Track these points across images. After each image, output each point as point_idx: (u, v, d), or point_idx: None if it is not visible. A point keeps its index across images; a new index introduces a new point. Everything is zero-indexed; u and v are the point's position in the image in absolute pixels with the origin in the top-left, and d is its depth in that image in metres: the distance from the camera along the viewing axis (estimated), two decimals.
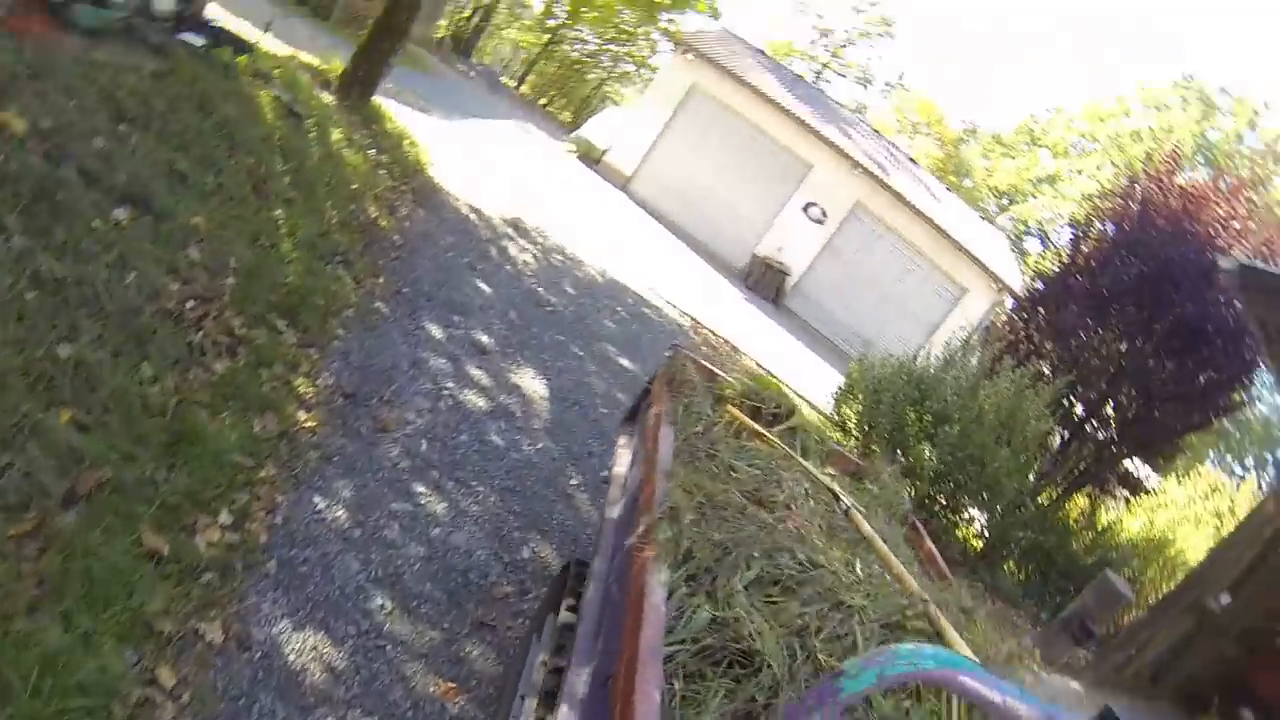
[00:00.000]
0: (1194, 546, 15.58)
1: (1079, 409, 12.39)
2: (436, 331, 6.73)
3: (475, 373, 6.50)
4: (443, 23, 37.19)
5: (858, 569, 2.97)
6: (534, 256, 10.71)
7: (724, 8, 63.58)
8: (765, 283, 22.42)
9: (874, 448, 9.35)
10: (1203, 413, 12.27)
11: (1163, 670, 12.20)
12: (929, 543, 4.34)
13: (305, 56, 10.64)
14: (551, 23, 40.29)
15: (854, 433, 10.09)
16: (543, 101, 42.40)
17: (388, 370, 5.67)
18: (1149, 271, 11.56)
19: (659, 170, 23.36)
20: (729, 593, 2.45)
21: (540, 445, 6.02)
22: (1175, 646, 11.64)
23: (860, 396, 10.08)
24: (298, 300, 5.33)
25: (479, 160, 14.42)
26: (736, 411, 4.20)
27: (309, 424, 4.48)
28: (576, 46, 41.91)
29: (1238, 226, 11.70)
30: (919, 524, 4.56)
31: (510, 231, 11.02)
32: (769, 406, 4.56)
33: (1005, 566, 11.08)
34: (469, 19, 38.36)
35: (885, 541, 3.51)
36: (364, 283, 6.63)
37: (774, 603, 2.51)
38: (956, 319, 21.45)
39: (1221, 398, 12.09)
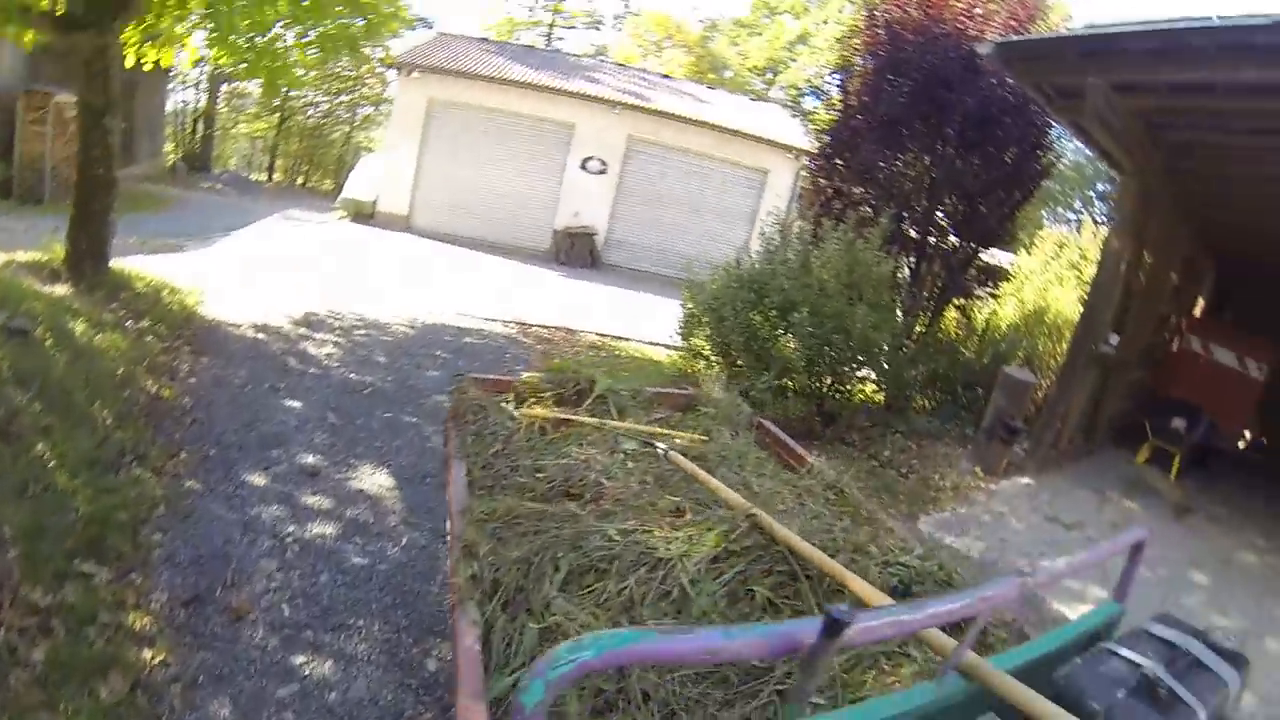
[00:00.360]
0: (1066, 303, 15.93)
1: (913, 232, 12.28)
2: (258, 480, 6.05)
3: (312, 501, 5.87)
4: (169, 147, 35.46)
5: (687, 511, 3.12)
6: (336, 343, 10.00)
7: (433, 11, 62.24)
8: (577, 252, 22.11)
9: (739, 364, 8.94)
10: (1021, 187, 12.48)
11: (1092, 426, 12.46)
12: (781, 435, 4.51)
13: (24, 254, 9.53)
14: (275, 102, 38.60)
15: (713, 358, 9.65)
16: (300, 181, 40.72)
17: (221, 551, 4.97)
18: (919, 84, 11.50)
19: (432, 196, 22.59)
20: (545, 602, 2.48)
21: (404, 540, 5.47)
22: (1093, 400, 11.85)
23: (703, 320, 9.63)
24: (97, 531, 4.64)
25: (251, 273, 13.43)
26: (534, 411, 4.21)
27: (158, 659, 3.86)
28: (309, 113, 40.36)
29: (981, 12, 11.72)
30: (763, 422, 4.73)
31: (304, 331, 10.25)
32: (569, 389, 4.61)
33: (913, 407, 10.89)
34: (193, 134, 36.53)
35: (734, 455, 3.90)
36: (165, 469, 5.89)
37: (592, 590, 2.59)
38: (770, 201, 21.63)
39: (1031, 166, 12.31)
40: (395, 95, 23.01)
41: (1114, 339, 11.32)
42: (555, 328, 13.20)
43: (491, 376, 4.83)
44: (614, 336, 13.52)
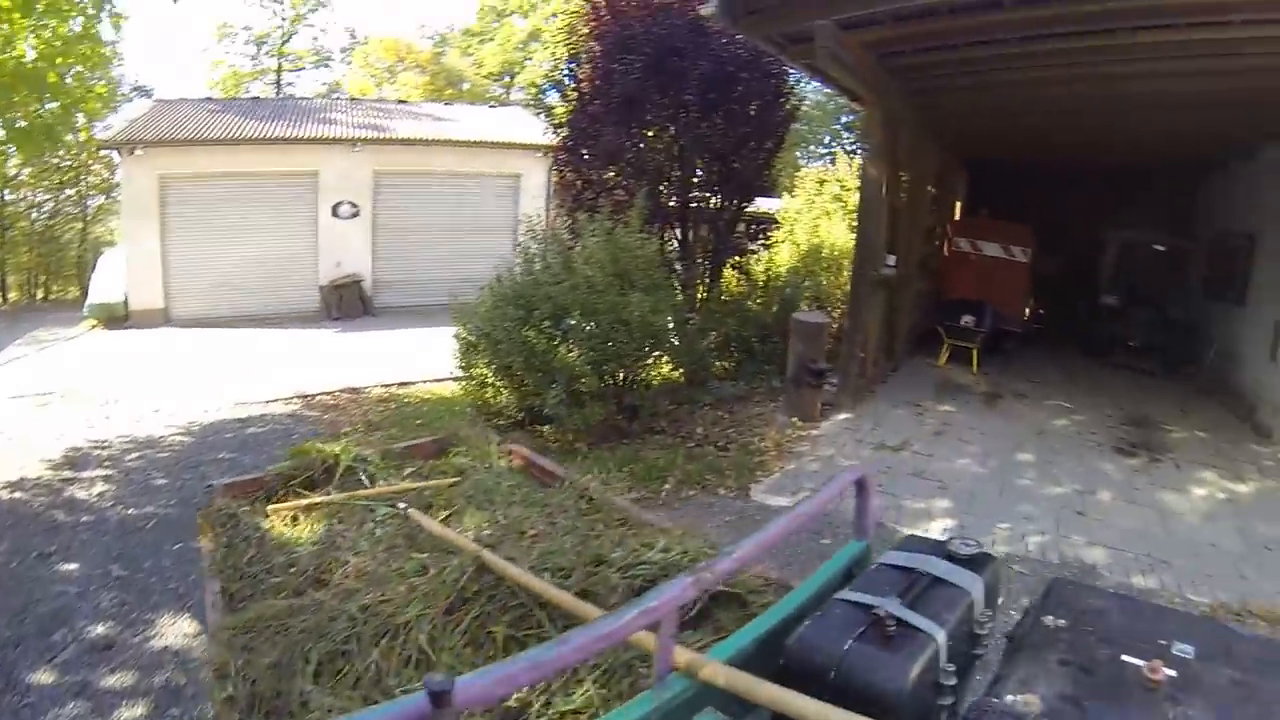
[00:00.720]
0: (838, 235, 16.37)
1: (673, 203, 12.16)
2: (45, 677, 5.25)
3: (113, 681, 5.17)
4: None
5: (430, 568, 3.13)
6: (107, 477, 9.04)
7: (150, 79, 58.59)
8: (347, 303, 21.18)
9: (526, 384, 8.53)
10: (770, 136, 12.72)
11: (890, 346, 12.83)
12: (535, 458, 4.61)
13: None
14: None
15: (498, 384, 9.28)
16: (40, 295, 36.95)
17: None
18: (650, 57, 11.42)
19: (187, 280, 21.03)
20: (302, 700, 2.46)
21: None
22: (886, 321, 12.16)
23: (480, 347, 9.20)
24: None
25: None
26: (279, 506, 4.15)
27: None
28: (34, 216, 36.60)
29: None
30: (513, 447, 4.81)
31: (68, 474, 9.21)
32: (318, 469, 4.53)
33: (714, 375, 10.76)
34: None
35: (482, 492, 4.00)
36: None
37: (342, 674, 2.60)
38: (526, 205, 21.39)
39: (775, 115, 12.58)
40: (121, 178, 21.15)
41: (891, 259, 11.59)
42: (340, 391, 12.55)
43: (240, 479, 4.63)
44: (400, 384, 13.00)
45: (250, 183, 20.81)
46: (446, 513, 3.93)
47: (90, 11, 8.55)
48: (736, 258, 12.83)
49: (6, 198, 35.10)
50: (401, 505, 3.91)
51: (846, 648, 2.02)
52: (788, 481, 8.19)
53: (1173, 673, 1.90)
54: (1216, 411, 12.20)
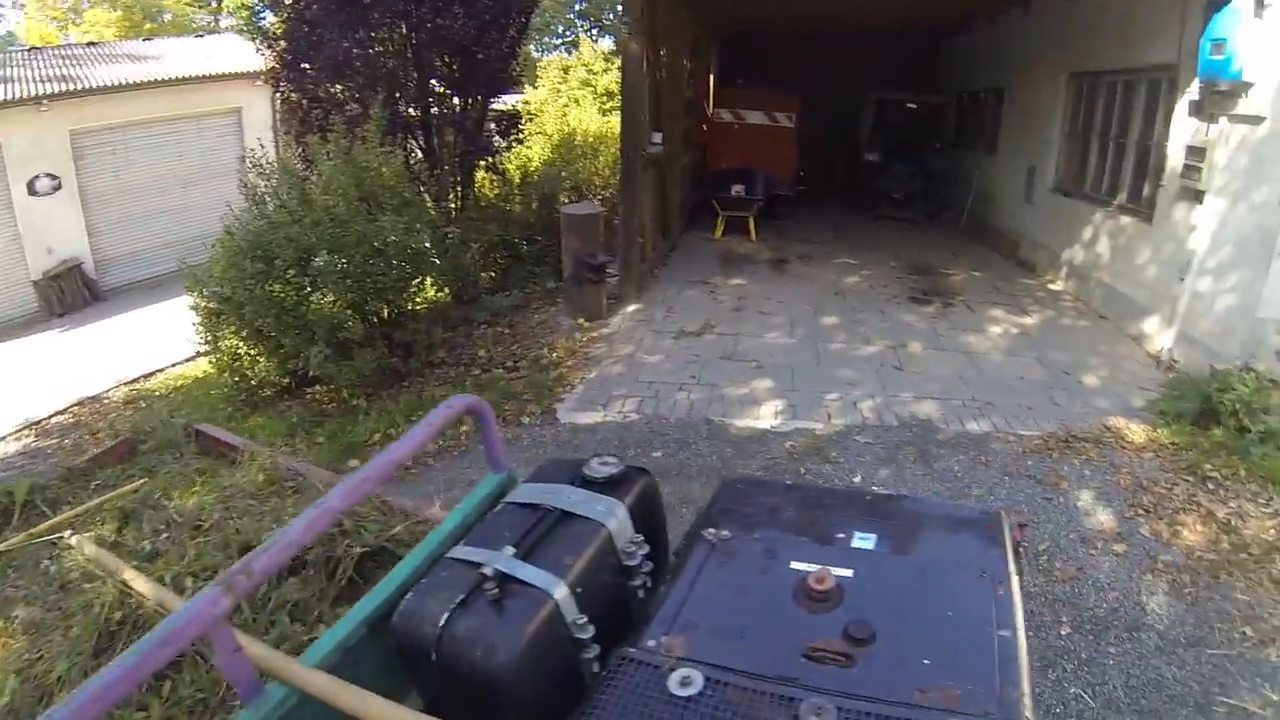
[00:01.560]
0: (590, 120, 15.61)
1: (412, 110, 10.97)
2: None
3: None
4: None
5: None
6: None
7: None
8: (69, 293, 17.75)
9: (284, 345, 7.41)
10: (513, 23, 11.69)
11: (666, 226, 12.37)
12: (219, 435, 4.45)
13: None
14: None
15: (252, 353, 8.06)
16: None
17: None
18: None
19: None
20: None
21: None
22: (658, 201, 11.60)
23: (222, 315, 7.93)
24: None
25: None
26: None
27: None
28: None
29: None
30: (199, 429, 4.71)
31: None
32: None
33: (483, 287, 9.82)
34: None
35: (160, 490, 3.89)
36: None
37: None
38: (251, 139, 18.38)
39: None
40: None
41: (657, 137, 10.99)
42: (74, 407, 10.66)
43: None
44: (144, 376, 11.36)
45: None
46: (122, 523, 3.73)
47: None
48: (488, 159, 11.79)
49: None
50: (68, 533, 3.64)
51: (444, 621, 1.76)
52: (594, 393, 7.50)
53: (846, 573, 1.75)
54: (983, 252, 13.03)
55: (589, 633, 1.82)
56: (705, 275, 11.02)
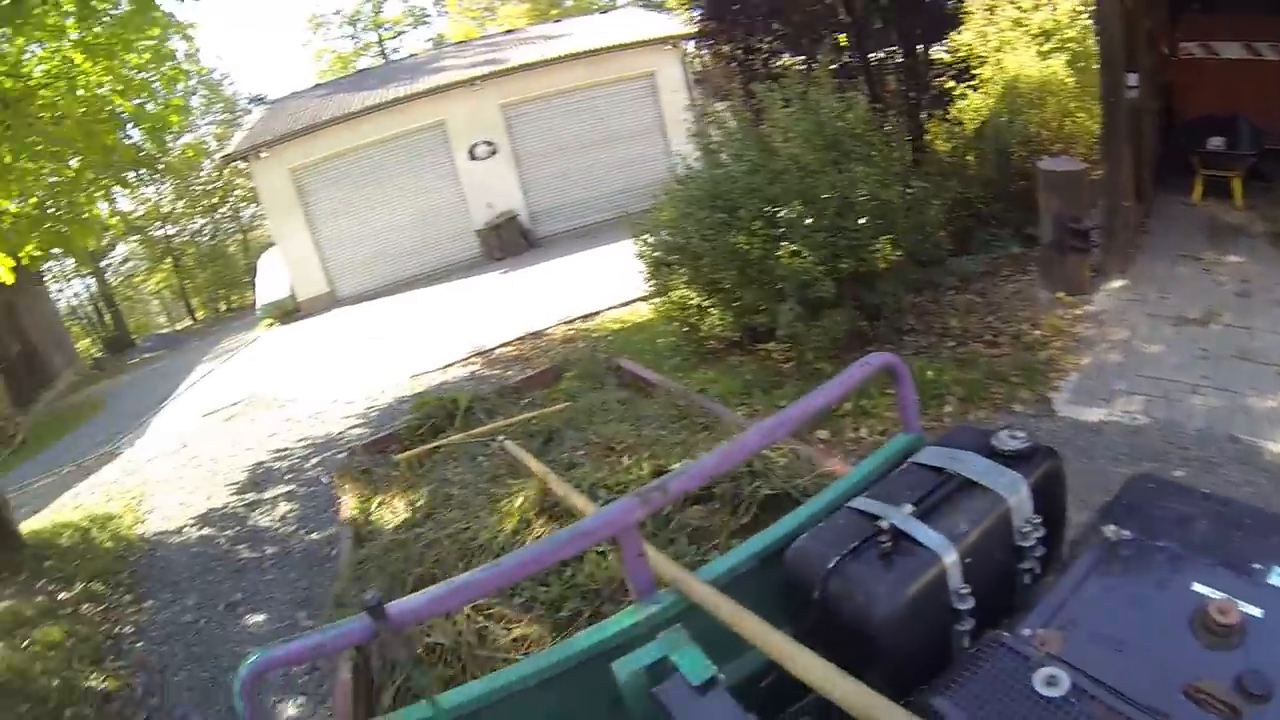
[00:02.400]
0: (1032, 65, 13.51)
1: (849, 57, 9.97)
2: None
3: None
4: (86, 343, 33.47)
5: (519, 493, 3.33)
6: (290, 494, 8.29)
7: (263, 87, 59.24)
8: (508, 241, 19.99)
9: (740, 299, 6.81)
10: None
11: (1140, 189, 9.96)
12: (639, 371, 4.72)
13: None
14: (157, 235, 35.98)
15: (705, 304, 7.52)
16: (223, 307, 38.15)
17: None
18: None
19: (344, 260, 20.44)
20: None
21: None
22: (1135, 158, 9.51)
23: (672, 264, 7.54)
24: None
25: (187, 445, 11.42)
26: (404, 456, 4.41)
27: None
28: (199, 240, 37.78)
29: None
30: (621, 363, 4.95)
31: (252, 496, 8.50)
32: (441, 416, 4.77)
33: (945, 250, 8.53)
34: (101, 320, 34.31)
35: (583, 413, 4.18)
36: None
37: None
38: (667, 100, 20.22)
39: None
40: (257, 184, 20.52)
41: (1133, 79, 8.95)
42: (520, 339, 11.33)
43: (374, 438, 5.04)
44: (584, 317, 11.55)
45: (379, 150, 19.86)
46: (545, 439, 4.01)
47: (158, 33, 7.35)
48: (942, 111, 10.40)
49: (169, 231, 36.59)
50: (500, 439, 4.04)
51: (833, 564, 1.80)
52: (1092, 384, 6.19)
53: (1255, 612, 1.45)
54: None
55: (968, 604, 1.76)
56: (1193, 249, 8.71)
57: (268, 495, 8.26)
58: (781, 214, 6.30)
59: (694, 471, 2.07)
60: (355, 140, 19.54)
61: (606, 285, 12.46)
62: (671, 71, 20.31)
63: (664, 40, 19.94)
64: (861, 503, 1.97)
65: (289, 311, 20.78)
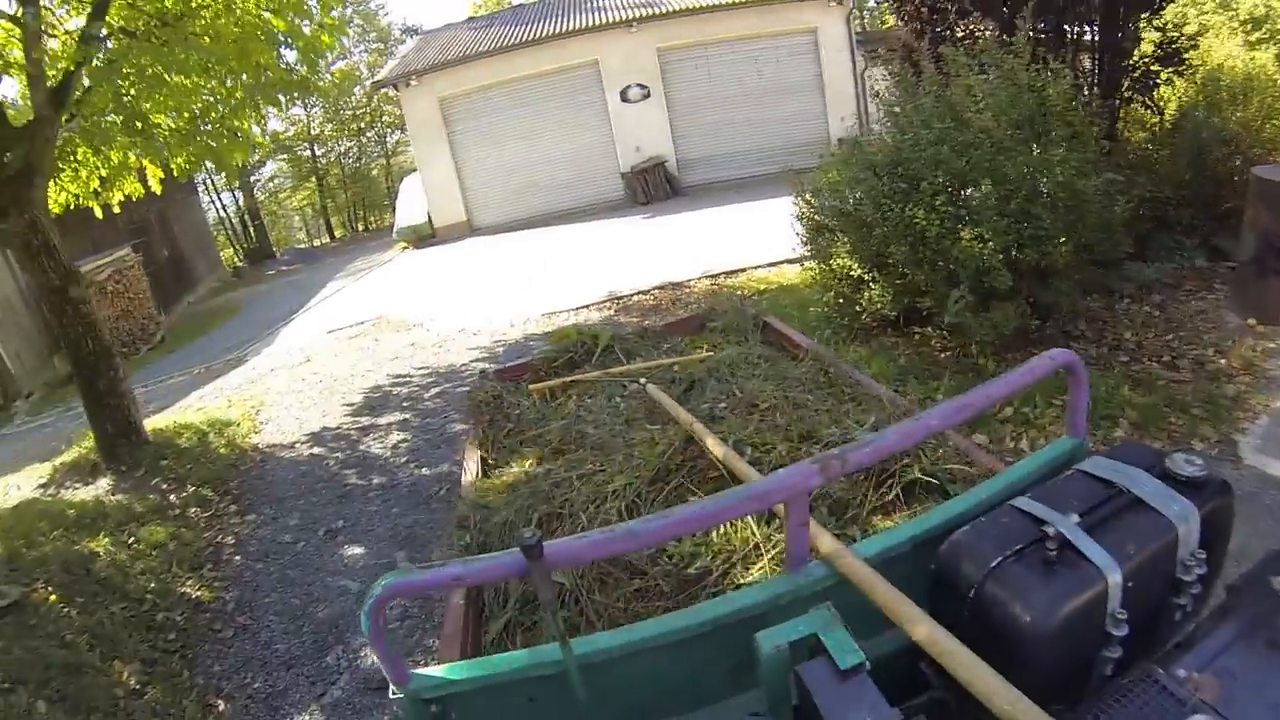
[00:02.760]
0: (1258, 60, 12.08)
1: (1042, 26, 9.00)
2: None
3: None
4: (230, 253, 34.76)
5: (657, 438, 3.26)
6: (404, 423, 8.11)
7: (419, 17, 59.55)
8: (654, 186, 19.73)
9: (905, 277, 6.30)
10: None
11: None
12: (786, 330, 4.58)
13: (67, 455, 8.16)
14: (304, 154, 36.93)
15: (868, 278, 6.94)
16: (361, 228, 38.98)
17: None
18: None
19: (485, 191, 20.51)
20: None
21: None
22: None
23: (837, 232, 7.01)
24: None
25: (310, 361, 11.52)
26: (537, 387, 4.37)
27: None
28: (345, 161, 38.56)
29: None
30: (768, 320, 4.81)
31: (367, 420, 8.34)
32: (579, 350, 4.73)
33: (1123, 251, 7.58)
34: (246, 231, 35.29)
35: (726, 366, 4.01)
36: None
37: (555, 533, 2.76)
38: (829, 59, 19.59)
39: None
40: (405, 108, 20.64)
41: None
42: (657, 288, 10.97)
43: (508, 365, 4.95)
44: (727, 273, 11.10)
45: (530, 85, 19.72)
46: (686, 386, 3.88)
47: None
48: (1146, 96, 9.02)
49: (316, 152, 37.39)
50: (642, 381, 3.96)
51: (993, 565, 1.71)
52: None
53: None
54: None
55: (1122, 631, 1.64)
56: None
57: (382, 421, 8.13)
58: (969, 192, 5.70)
59: (875, 445, 1.92)
60: (506, 74, 19.42)
61: (753, 242, 12.01)
62: (835, 30, 19.51)
63: None
64: (1025, 503, 1.85)
65: (425, 236, 20.97)
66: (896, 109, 6.63)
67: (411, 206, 21.90)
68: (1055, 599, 1.61)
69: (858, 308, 7.13)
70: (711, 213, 16.44)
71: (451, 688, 1.86)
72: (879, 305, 6.82)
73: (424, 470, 6.82)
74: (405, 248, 21.33)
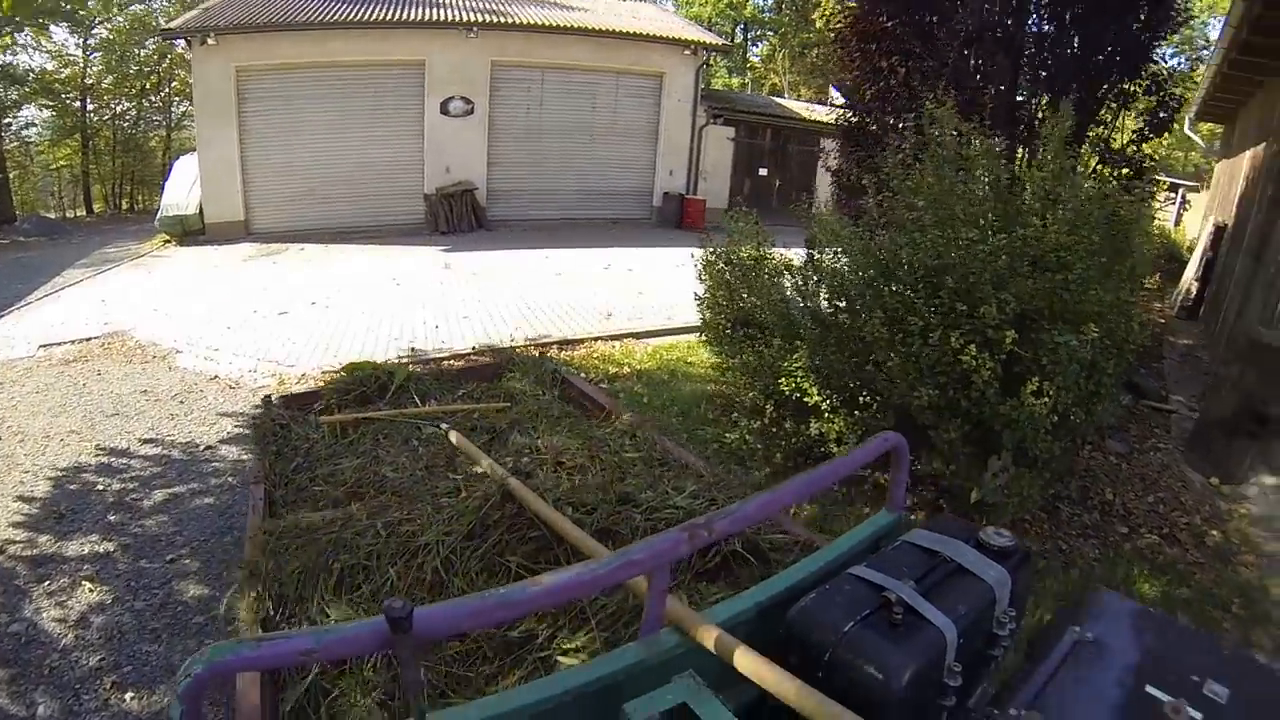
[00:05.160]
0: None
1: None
2: None
3: None
4: None
5: (463, 490, 2.99)
6: (108, 567, 4.77)
7: None
8: (459, 215, 17.15)
9: (945, 437, 4.14)
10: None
11: None
12: (580, 386, 4.32)
13: None
14: (74, 105, 30.81)
15: (830, 415, 4.78)
16: (125, 206, 32.79)
17: None
18: None
19: (268, 188, 16.92)
20: (320, 608, 2.40)
21: None
22: None
23: (797, 351, 4.87)
24: None
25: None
26: (333, 416, 3.96)
27: None
28: (121, 124, 32.69)
29: None
30: (567, 377, 4.49)
31: (43, 545, 5.04)
32: (372, 385, 4.35)
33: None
34: None
35: (528, 418, 3.82)
36: None
37: (360, 588, 2.50)
38: (670, 109, 18.00)
39: None
40: (194, 70, 16.71)
41: None
42: (475, 351, 8.34)
43: (296, 392, 4.69)
44: (564, 342, 8.85)
45: (344, 74, 16.50)
46: (489, 436, 3.65)
47: None
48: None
49: (88, 107, 31.39)
50: (444, 425, 3.71)
51: (847, 629, 1.79)
52: None
53: (1197, 716, 1.59)
54: None
55: (957, 681, 1.76)
56: None
57: (70, 551, 4.76)
58: (1053, 335, 3.60)
59: (737, 515, 1.94)
60: (318, 55, 16.17)
61: (581, 299, 9.91)
62: (683, 79, 17.91)
63: (686, 43, 17.39)
64: (864, 571, 1.90)
65: (192, 231, 17.15)
66: (910, 182, 4.45)
67: (181, 191, 17.88)
68: (905, 658, 1.68)
69: (785, 432, 5.02)
70: (521, 255, 14.15)
71: None
72: (830, 434, 4.69)
73: (127, 697, 3.65)
74: (167, 241, 17.38)
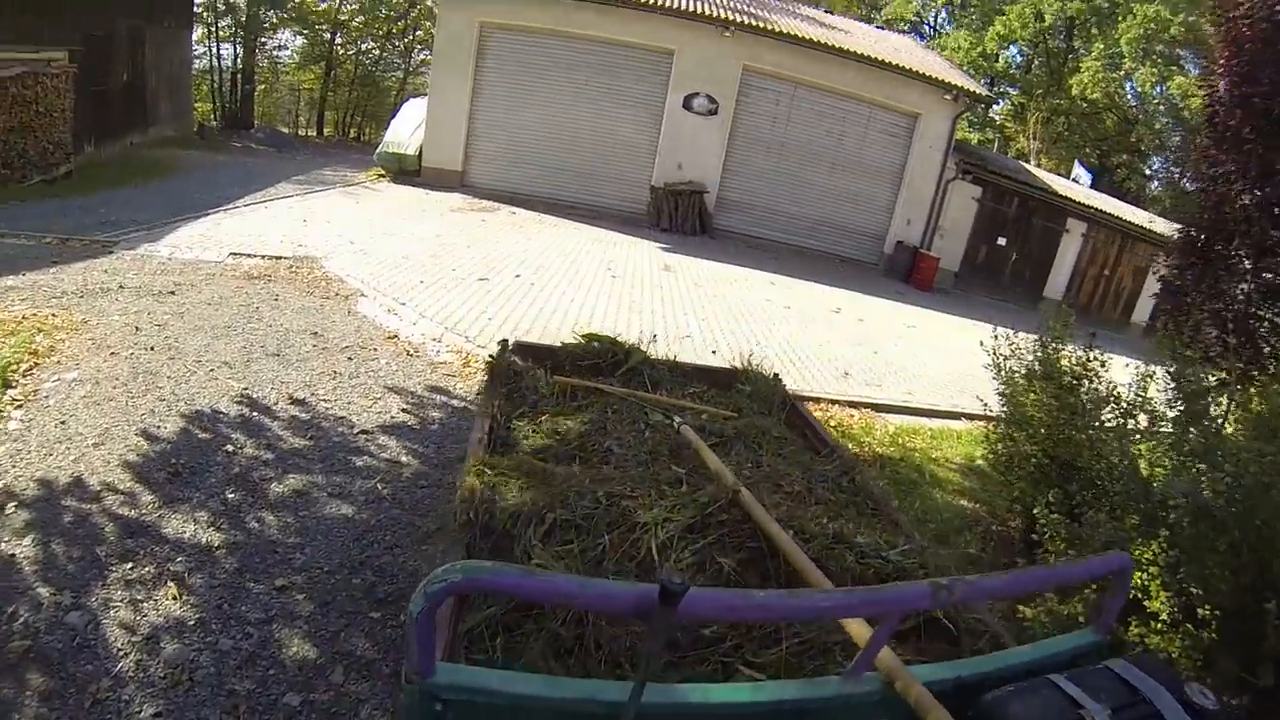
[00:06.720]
0: None
1: None
2: None
3: None
4: (206, 107, 29.69)
5: (685, 482, 2.84)
6: (216, 512, 3.92)
7: None
8: (683, 215, 15.79)
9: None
10: None
11: None
12: (809, 417, 4.10)
13: None
14: (325, 35, 31.90)
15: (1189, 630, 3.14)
16: (352, 134, 34.06)
17: None
18: None
19: (490, 145, 16.18)
20: (526, 550, 2.37)
21: None
22: None
23: (1153, 543, 3.31)
24: None
25: (166, 307, 7.43)
26: (564, 379, 3.84)
27: None
28: (364, 60, 33.58)
29: None
30: (797, 404, 4.24)
31: (146, 503, 4.08)
32: (606, 359, 4.23)
33: None
34: (232, 91, 30.19)
35: (755, 433, 3.53)
36: None
37: (569, 544, 2.43)
38: (919, 153, 16.25)
39: None
40: (439, 21, 16.30)
41: None
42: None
43: (533, 342, 4.48)
44: (879, 406, 7.69)
45: (587, 48, 15.59)
46: (714, 440, 3.41)
47: None
48: None
49: (337, 40, 32.75)
50: (678, 419, 3.50)
51: None
52: None
53: None
54: None
55: None
56: None
57: (158, 525, 3.85)
58: None
59: (981, 586, 1.87)
60: (565, 24, 15.33)
61: (809, 344, 8.75)
62: (939, 125, 16.10)
63: (948, 86, 15.63)
64: (1065, 684, 1.77)
65: (408, 171, 16.71)
66: None
67: (405, 131, 17.48)
68: None
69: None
70: (750, 274, 12.76)
71: (478, 695, 1.55)
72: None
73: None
74: (381, 175, 17.01)
